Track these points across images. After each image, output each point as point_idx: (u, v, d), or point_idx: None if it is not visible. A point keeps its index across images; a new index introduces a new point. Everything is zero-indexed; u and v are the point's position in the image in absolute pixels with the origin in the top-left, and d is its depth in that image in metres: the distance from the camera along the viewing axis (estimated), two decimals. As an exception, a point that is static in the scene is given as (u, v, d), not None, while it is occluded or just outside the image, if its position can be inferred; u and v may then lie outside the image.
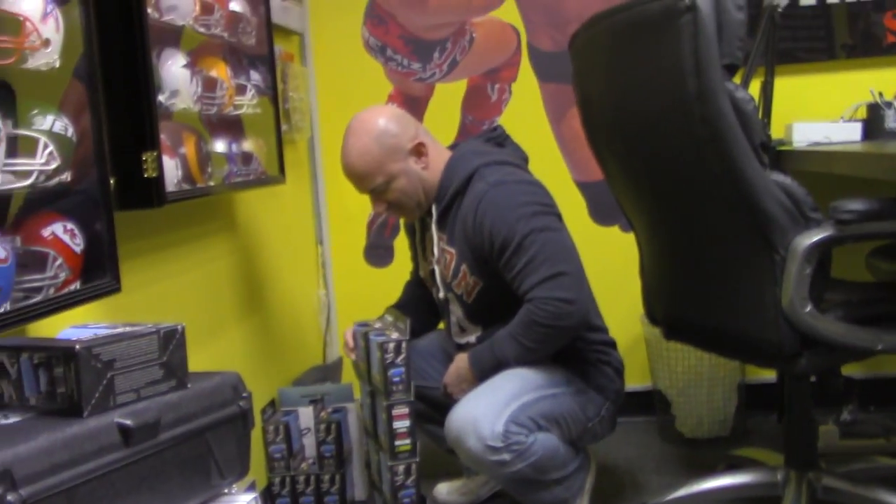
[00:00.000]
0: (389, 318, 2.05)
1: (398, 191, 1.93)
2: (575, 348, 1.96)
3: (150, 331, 1.11)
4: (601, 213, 2.74)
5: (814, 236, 1.54)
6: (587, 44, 1.83)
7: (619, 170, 1.88)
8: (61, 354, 1.03)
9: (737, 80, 1.57)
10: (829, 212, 1.55)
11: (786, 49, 2.54)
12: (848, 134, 2.15)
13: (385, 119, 1.93)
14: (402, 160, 1.92)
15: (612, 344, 2.03)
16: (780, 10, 2.20)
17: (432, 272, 2.03)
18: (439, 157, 1.97)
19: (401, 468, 1.89)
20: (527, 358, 1.86)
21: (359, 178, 1.94)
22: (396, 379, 1.88)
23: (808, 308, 1.56)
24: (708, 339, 1.86)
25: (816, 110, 2.48)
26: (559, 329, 1.83)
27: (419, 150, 1.94)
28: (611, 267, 2.58)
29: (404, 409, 1.88)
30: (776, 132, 2.28)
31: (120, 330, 1.13)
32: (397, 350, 1.88)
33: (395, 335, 1.91)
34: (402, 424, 1.89)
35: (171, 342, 1.13)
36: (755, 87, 2.33)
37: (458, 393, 1.91)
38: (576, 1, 2.64)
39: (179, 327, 1.15)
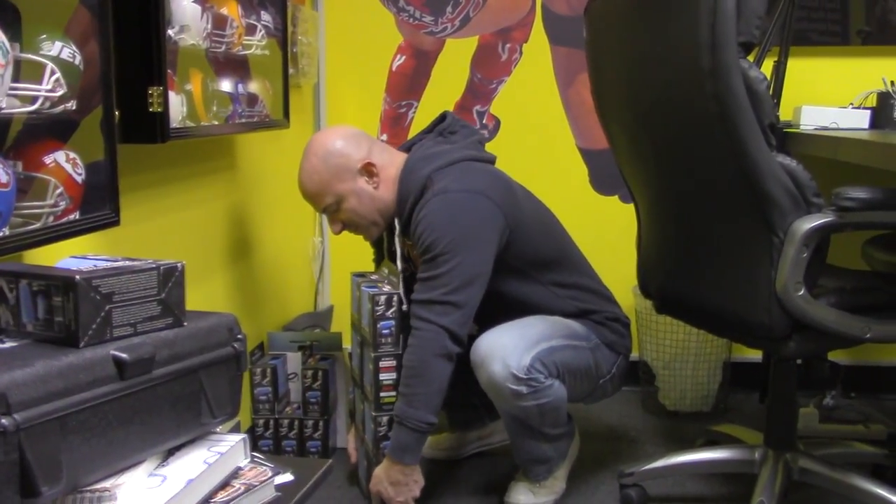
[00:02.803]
0: (385, 271, 2.05)
1: (349, 211, 1.93)
2: (586, 309, 2.00)
3: (150, 266, 1.11)
4: (602, 182, 2.73)
5: (814, 221, 1.55)
6: (603, 11, 1.81)
7: (625, 140, 1.87)
8: (61, 284, 1.03)
9: (750, 58, 1.55)
10: (831, 198, 1.55)
11: (800, 30, 2.52)
12: (856, 121, 2.14)
13: (335, 139, 1.93)
14: (350, 180, 1.91)
15: (615, 303, 2.07)
16: (799, -11, 2.17)
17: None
18: (394, 171, 1.93)
19: (384, 419, 1.91)
20: (414, 403, 1.78)
21: (310, 198, 1.95)
22: (385, 331, 1.90)
23: (802, 292, 1.57)
24: (699, 315, 1.87)
25: (826, 95, 2.47)
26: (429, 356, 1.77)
27: (369, 171, 1.92)
28: (607, 236, 2.58)
29: (391, 362, 1.90)
30: (785, 114, 2.27)
31: (120, 263, 1.13)
32: (388, 303, 1.89)
33: (387, 288, 1.92)
34: (388, 377, 1.91)
35: (171, 279, 1.13)
36: (767, 67, 2.32)
37: (405, 495, 1.83)
38: (594, -35, 2.61)
39: (179, 265, 1.15)
